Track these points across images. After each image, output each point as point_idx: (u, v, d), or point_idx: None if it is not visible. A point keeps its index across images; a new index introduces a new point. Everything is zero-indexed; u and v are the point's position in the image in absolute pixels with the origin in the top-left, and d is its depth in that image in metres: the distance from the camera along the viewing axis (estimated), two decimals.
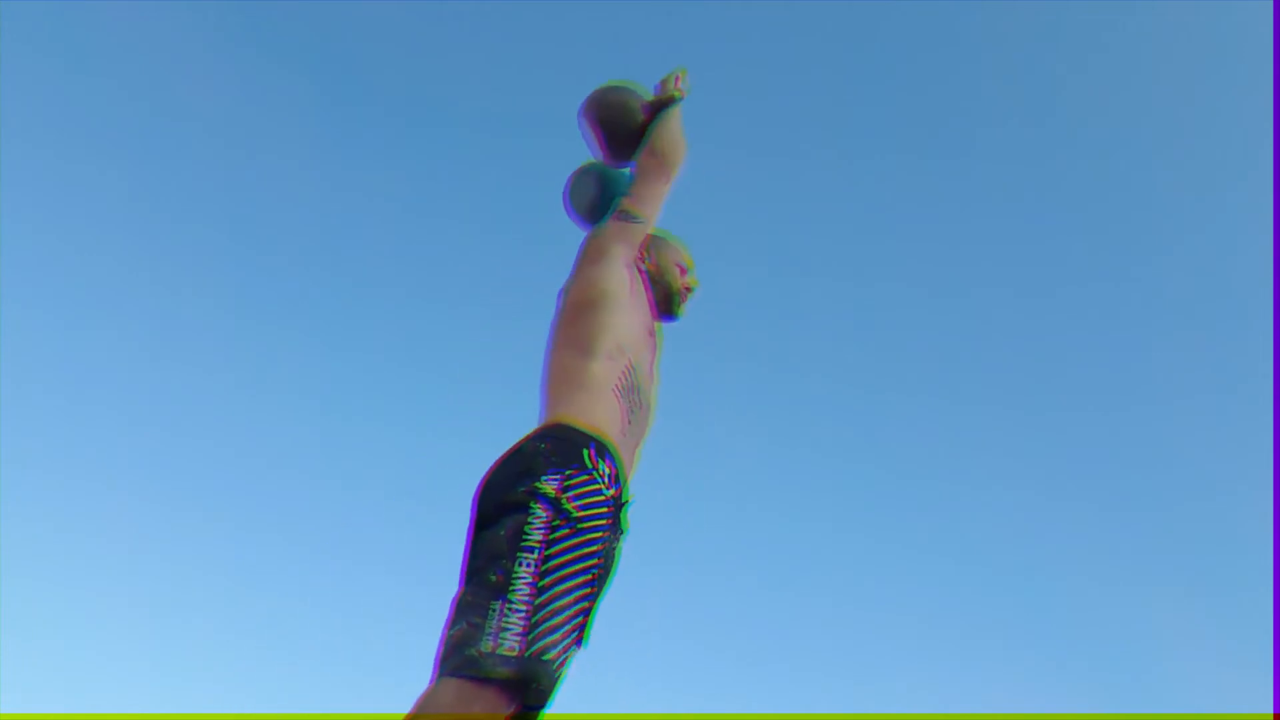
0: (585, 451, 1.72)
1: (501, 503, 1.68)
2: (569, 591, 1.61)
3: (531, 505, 1.65)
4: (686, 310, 2.26)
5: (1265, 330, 6.68)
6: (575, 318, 1.96)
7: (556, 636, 1.57)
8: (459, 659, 1.53)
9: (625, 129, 2.31)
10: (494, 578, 1.59)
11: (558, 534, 1.64)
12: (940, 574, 7.04)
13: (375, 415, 6.92)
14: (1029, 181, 7.53)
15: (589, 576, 1.65)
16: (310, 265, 7.22)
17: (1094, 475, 7.34)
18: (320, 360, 7.11)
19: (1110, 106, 7.37)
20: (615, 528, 1.76)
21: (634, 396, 1.89)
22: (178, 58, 6.92)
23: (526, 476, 1.68)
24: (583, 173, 2.37)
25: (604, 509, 1.71)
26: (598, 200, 2.29)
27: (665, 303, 2.21)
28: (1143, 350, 7.41)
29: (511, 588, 1.58)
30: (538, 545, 1.62)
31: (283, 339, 7.10)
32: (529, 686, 1.52)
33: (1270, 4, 6.41)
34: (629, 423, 1.86)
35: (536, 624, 1.56)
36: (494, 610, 1.56)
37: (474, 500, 1.76)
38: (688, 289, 2.25)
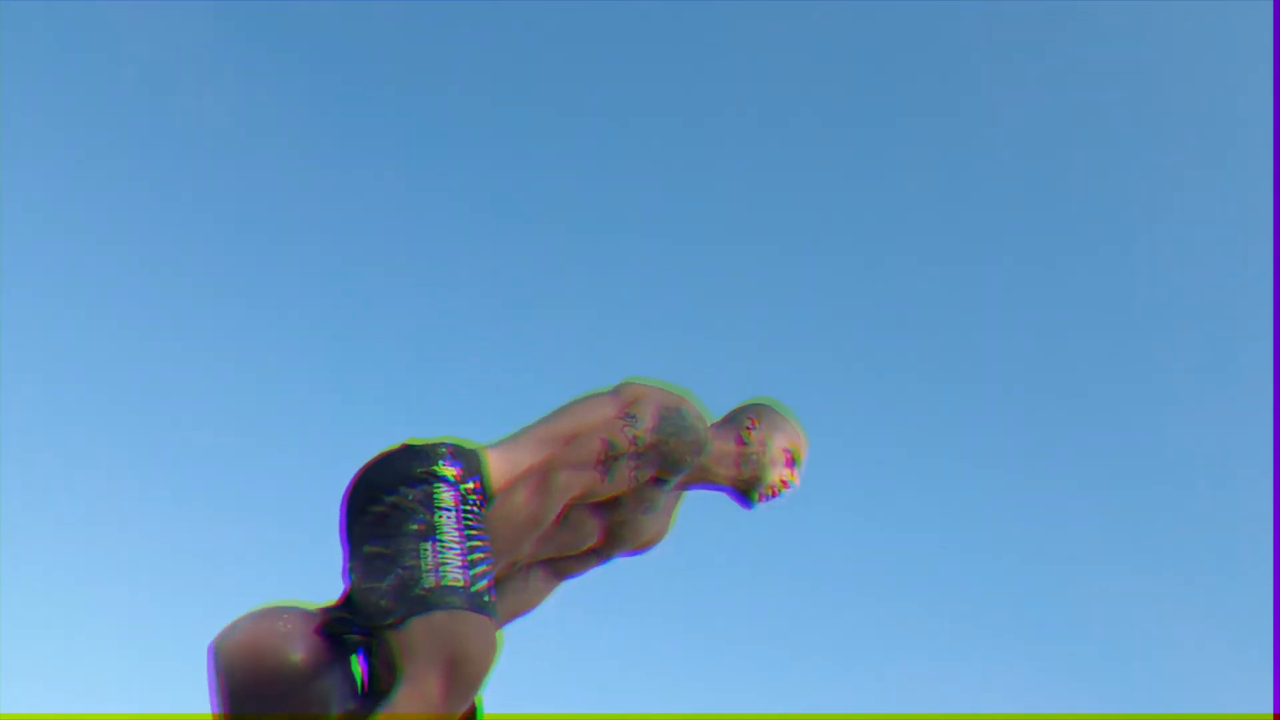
0: (472, 480, 1.62)
1: (396, 477, 1.59)
2: (486, 548, 1.56)
3: (433, 482, 1.58)
4: (765, 504, 1.93)
5: (1265, 329, 6.69)
6: (579, 409, 1.74)
7: (490, 582, 1.52)
8: (406, 604, 1.46)
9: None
10: (414, 527, 1.53)
11: (469, 503, 1.58)
12: (939, 570, 7.04)
13: (377, 413, 6.92)
14: (1034, 175, 7.54)
15: (493, 558, 1.58)
16: (312, 264, 7.22)
17: (1095, 475, 7.34)
18: (322, 359, 7.11)
19: (1115, 98, 7.38)
20: None
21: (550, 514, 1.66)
22: (178, 57, 6.93)
23: (423, 458, 1.61)
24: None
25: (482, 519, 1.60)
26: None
27: (748, 485, 1.88)
28: (1145, 344, 7.42)
29: (439, 530, 1.53)
30: (453, 506, 1.56)
31: (284, 338, 7.10)
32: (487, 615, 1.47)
33: (1270, 4, 6.41)
34: (533, 529, 1.65)
35: (475, 563, 1.51)
36: (425, 550, 1.50)
37: (352, 485, 1.66)
38: (783, 484, 1.90)
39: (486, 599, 1.50)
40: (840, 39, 7.47)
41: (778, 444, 1.88)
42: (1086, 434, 7.44)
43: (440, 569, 1.49)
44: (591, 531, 1.79)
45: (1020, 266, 7.60)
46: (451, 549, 1.51)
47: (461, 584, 1.48)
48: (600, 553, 1.86)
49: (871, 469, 7.39)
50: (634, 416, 1.69)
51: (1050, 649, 6.87)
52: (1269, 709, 5.46)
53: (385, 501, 1.58)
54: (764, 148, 7.45)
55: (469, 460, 1.64)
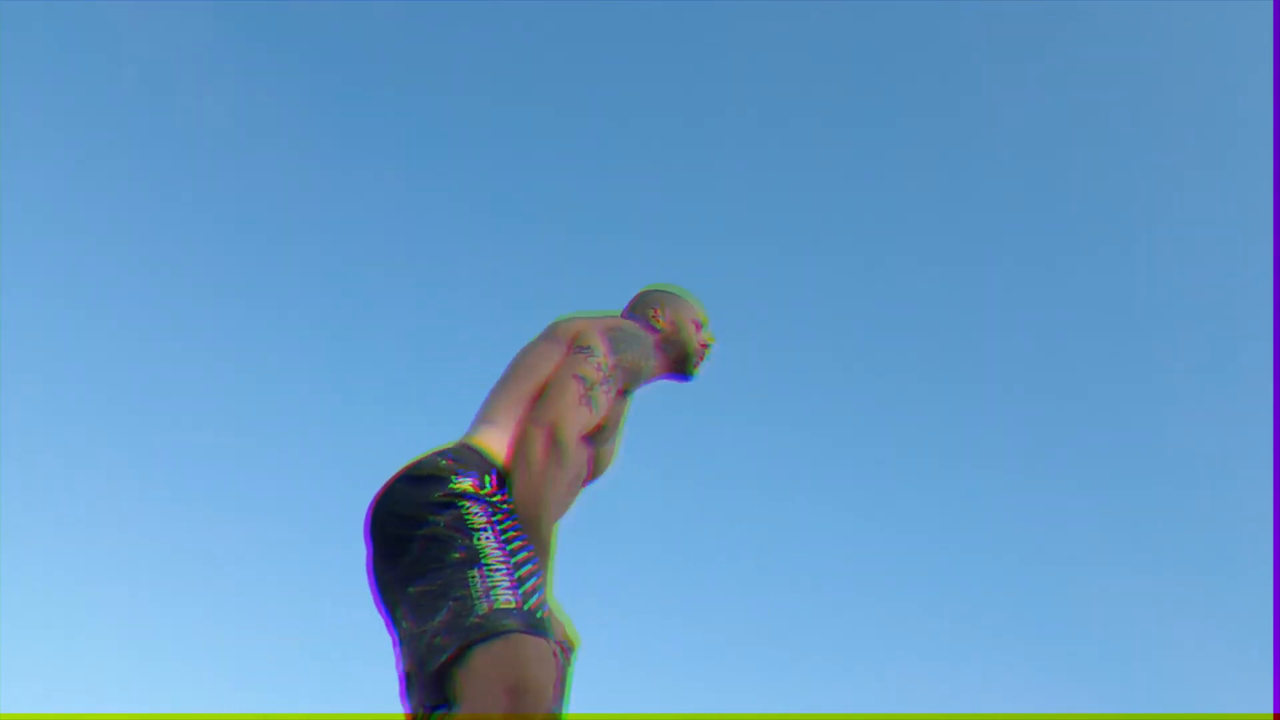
0: (486, 476, 1.62)
1: (420, 506, 1.58)
2: (531, 558, 1.55)
3: (457, 502, 1.56)
4: (701, 370, 2.12)
5: (1265, 329, 6.69)
6: (536, 350, 1.82)
7: (541, 598, 1.52)
8: (460, 635, 1.44)
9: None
10: (456, 555, 1.51)
11: (499, 514, 1.57)
12: (939, 570, 7.04)
13: (377, 413, 6.92)
14: (1034, 175, 7.54)
15: (540, 563, 1.58)
16: (312, 264, 7.22)
17: (1095, 475, 7.34)
18: (321, 359, 7.11)
19: (1115, 98, 7.38)
20: None
21: (559, 455, 1.68)
22: (178, 57, 6.93)
23: (436, 481, 1.59)
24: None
25: (514, 516, 1.61)
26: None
27: (681, 363, 2.06)
28: (1145, 344, 7.42)
29: (482, 554, 1.51)
30: (487, 524, 1.55)
31: (284, 337, 7.10)
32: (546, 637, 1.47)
33: (1270, 4, 6.41)
34: (557, 469, 1.69)
35: (522, 579, 1.50)
36: (473, 578, 1.49)
37: (371, 516, 1.65)
38: (704, 346, 2.09)
39: (540, 615, 1.49)
40: (840, 39, 7.47)
41: (685, 317, 2.06)
42: (1086, 434, 7.45)
43: (491, 593, 1.47)
44: (584, 467, 1.82)
45: (1020, 266, 7.61)
46: (498, 570, 1.50)
47: (514, 605, 1.46)
48: (583, 487, 1.88)
49: (871, 469, 7.40)
50: (588, 348, 1.77)
51: (1050, 649, 6.87)
52: (1269, 709, 5.46)
53: (418, 537, 1.57)
54: (763, 147, 7.46)
55: (475, 462, 1.63)
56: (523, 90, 7.35)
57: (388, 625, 1.66)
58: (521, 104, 7.33)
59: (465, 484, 1.59)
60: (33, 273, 6.55)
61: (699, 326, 2.08)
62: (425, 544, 1.55)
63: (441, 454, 1.65)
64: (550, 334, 1.83)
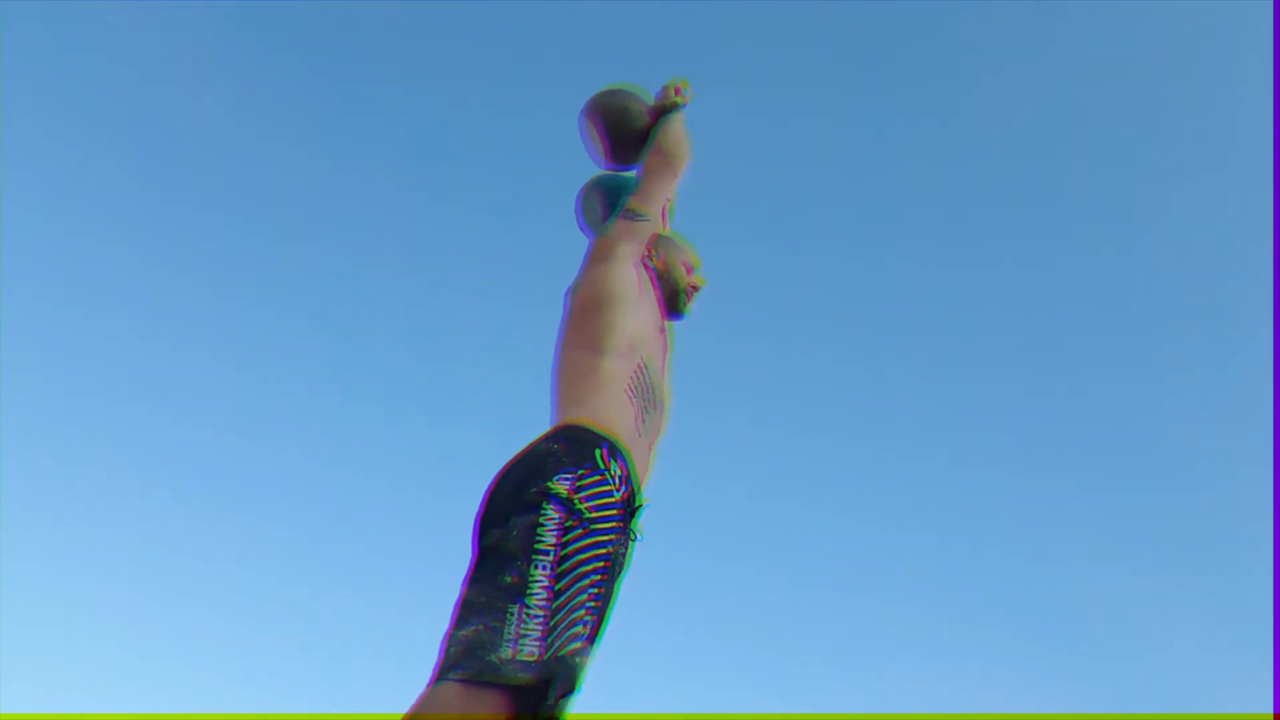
0: (597, 452, 1.71)
1: (512, 502, 1.65)
2: (583, 591, 1.60)
3: (544, 505, 1.63)
4: (692, 308, 2.28)
5: (1265, 329, 6.68)
6: (585, 317, 1.95)
7: (573, 633, 1.56)
8: (477, 664, 1.49)
9: (628, 132, 2.34)
10: (509, 579, 1.57)
11: (571, 534, 1.62)
12: (939, 570, 7.04)
13: (377, 414, 6.92)
14: (1033, 175, 7.54)
15: (601, 576, 1.64)
16: (312, 264, 7.22)
17: (1095, 475, 7.34)
18: (321, 359, 7.11)
19: (1115, 98, 7.38)
20: (625, 530, 1.75)
21: (647, 395, 1.88)
22: (178, 57, 6.93)
23: (538, 477, 1.67)
24: (589, 189, 2.39)
25: (615, 510, 1.69)
26: (606, 213, 2.31)
27: (671, 300, 2.21)
28: (1145, 344, 7.42)
29: (529, 591, 1.55)
30: (552, 547, 1.60)
31: (284, 337, 7.10)
32: (549, 689, 1.50)
33: (1270, 4, 6.41)
34: (642, 422, 1.85)
35: (555, 627, 1.54)
36: (511, 614, 1.53)
37: (484, 500, 1.73)
38: (694, 287, 2.25)
39: (562, 656, 1.52)
40: (840, 38, 7.47)
41: (677, 259, 2.24)
42: (1086, 434, 7.44)
43: (519, 641, 1.51)
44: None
45: (1019, 266, 7.61)
46: (534, 617, 1.53)
47: (535, 659, 1.50)
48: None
49: (871, 469, 7.40)
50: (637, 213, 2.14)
51: (1050, 649, 6.87)
52: (1269, 709, 5.46)
53: (492, 535, 1.63)
54: (763, 147, 7.45)
55: (578, 452, 1.70)
56: (523, 90, 7.36)
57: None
58: (521, 104, 7.33)
59: (561, 487, 1.65)
60: (32, 273, 6.56)
61: (690, 269, 2.25)
62: (498, 545, 1.61)
63: (556, 440, 1.73)
64: (585, 294, 1.99)
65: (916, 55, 7.43)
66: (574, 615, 1.57)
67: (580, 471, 1.68)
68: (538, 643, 1.52)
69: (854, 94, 7.53)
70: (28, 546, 5.88)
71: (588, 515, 1.64)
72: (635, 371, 1.87)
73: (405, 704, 1.55)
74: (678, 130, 2.33)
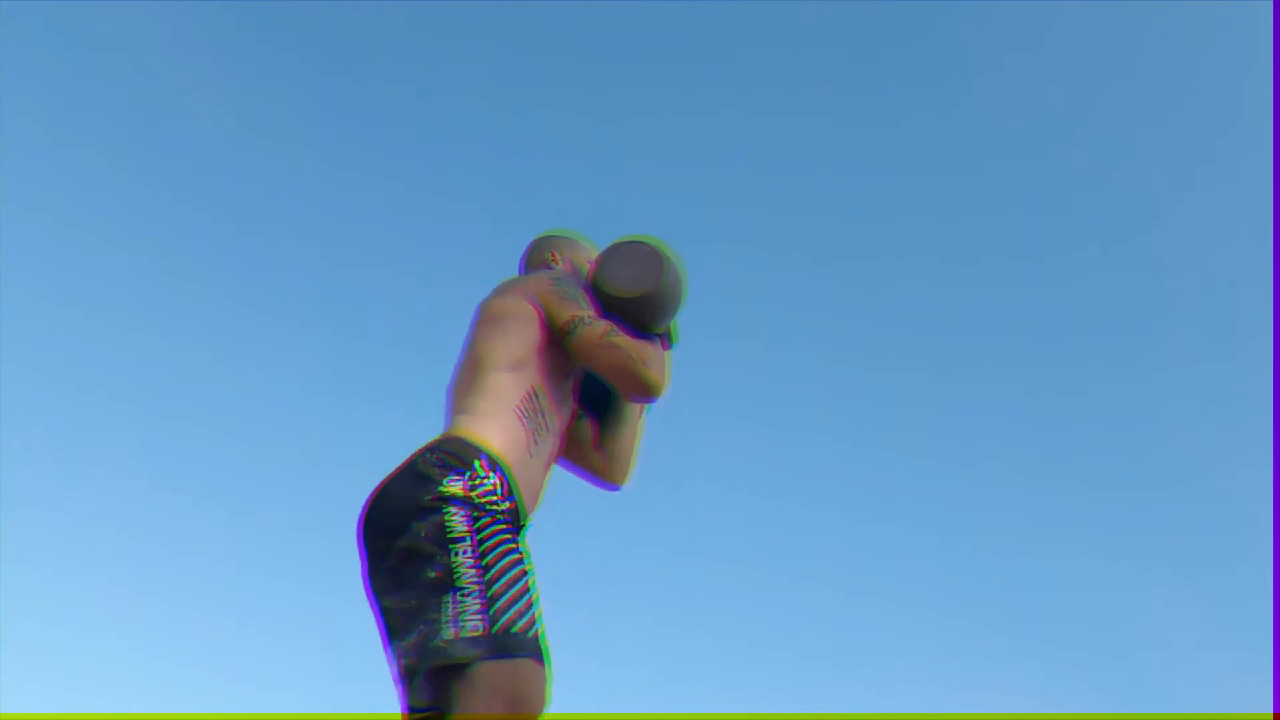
0: (477, 462, 1.61)
1: (406, 513, 1.56)
2: (514, 567, 1.53)
3: (443, 507, 1.54)
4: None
5: (1265, 329, 6.68)
6: (488, 328, 1.81)
7: (519, 608, 1.49)
8: (426, 657, 1.45)
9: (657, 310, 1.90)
10: (432, 574, 1.50)
11: (481, 522, 1.55)
12: (938, 570, 7.04)
13: (377, 414, 6.92)
14: (1033, 174, 7.54)
15: (527, 566, 1.56)
16: (312, 264, 7.22)
17: (1095, 475, 7.34)
18: (322, 359, 7.11)
19: (1115, 98, 7.38)
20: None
21: (539, 419, 1.74)
22: (178, 57, 6.93)
23: (427, 483, 1.58)
24: (629, 256, 1.90)
25: (505, 518, 1.60)
26: (592, 286, 1.91)
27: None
28: (1145, 343, 7.42)
29: (456, 576, 1.49)
30: (467, 534, 1.53)
31: (284, 337, 7.10)
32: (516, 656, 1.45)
33: (1270, 4, 6.41)
34: (534, 443, 1.72)
35: (495, 598, 1.48)
36: (446, 603, 1.47)
37: (363, 521, 1.64)
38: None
39: (514, 632, 1.46)
40: (839, 38, 7.47)
41: (581, 259, 2.09)
42: (1086, 433, 7.44)
43: (459, 619, 1.46)
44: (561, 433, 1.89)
45: (1019, 264, 7.61)
46: (470, 595, 1.47)
47: (480, 633, 1.44)
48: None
49: (870, 468, 7.39)
50: (581, 318, 1.80)
51: (1050, 649, 6.86)
52: (1269, 709, 5.46)
53: (398, 548, 1.55)
54: (762, 147, 7.45)
55: (459, 458, 1.61)
56: (523, 90, 7.36)
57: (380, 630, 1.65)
58: (521, 103, 7.33)
59: (454, 487, 1.56)
60: (33, 273, 6.56)
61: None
62: (403, 557, 1.54)
63: (429, 450, 1.64)
64: (496, 312, 1.82)
65: (916, 53, 7.44)
66: (514, 589, 1.51)
67: (467, 473, 1.59)
68: (478, 616, 1.45)
69: (854, 93, 7.54)
70: (28, 546, 5.88)
71: (491, 508, 1.57)
72: (527, 394, 1.73)
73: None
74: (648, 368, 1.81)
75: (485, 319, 1.82)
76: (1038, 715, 5.84)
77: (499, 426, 1.67)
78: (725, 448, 6.77)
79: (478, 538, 1.53)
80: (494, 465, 1.62)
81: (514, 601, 1.50)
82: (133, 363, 6.77)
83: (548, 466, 1.79)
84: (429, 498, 1.56)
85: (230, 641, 6.04)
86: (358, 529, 1.66)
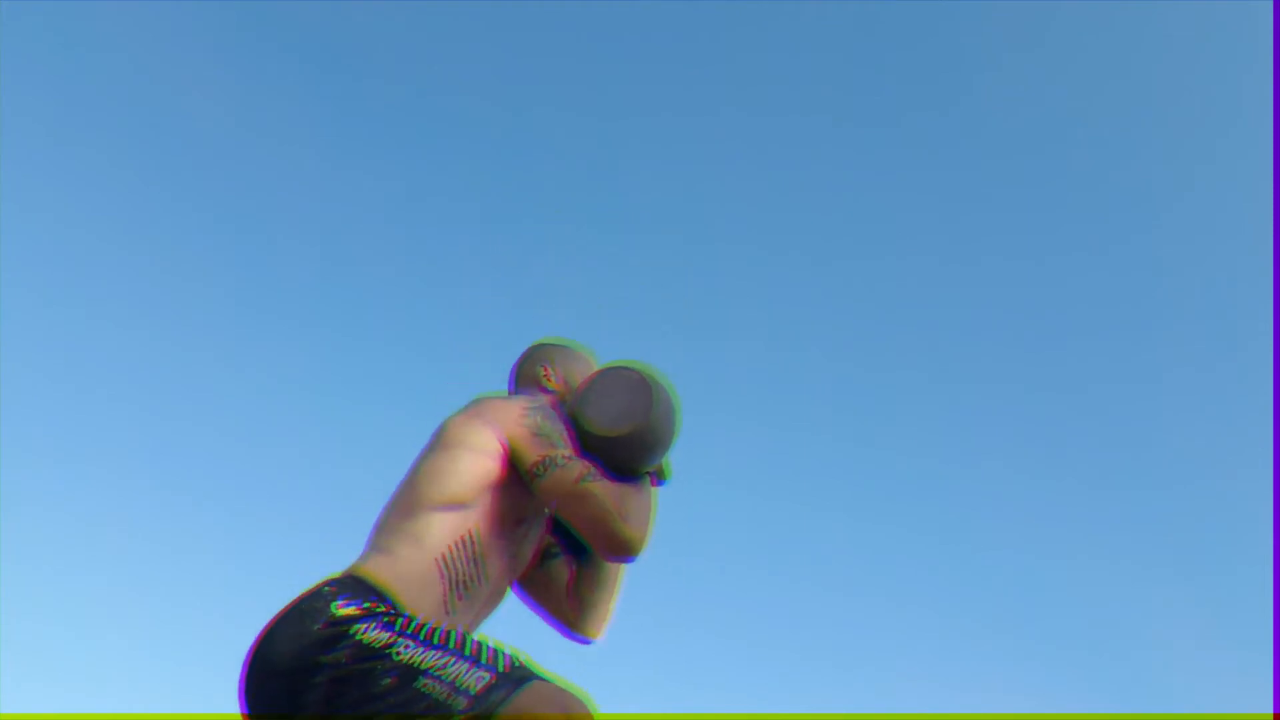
0: (374, 597, 1.43)
1: (302, 654, 1.35)
2: (462, 634, 1.39)
3: (346, 630, 1.35)
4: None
5: (1265, 329, 6.69)
6: (435, 459, 1.59)
7: (504, 653, 1.39)
8: None
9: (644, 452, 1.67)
10: (386, 681, 1.31)
11: (399, 622, 1.37)
12: (938, 570, 7.04)
13: (377, 414, 6.92)
14: (1032, 174, 7.54)
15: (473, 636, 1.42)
16: (312, 264, 7.22)
17: (1095, 475, 7.34)
18: (323, 357, 7.11)
19: (1115, 98, 7.38)
20: None
21: (469, 569, 1.53)
22: (178, 57, 6.93)
23: (314, 613, 1.39)
24: (615, 389, 1.67)
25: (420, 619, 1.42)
26: (571, 421, 1.68)
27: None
28: (1145, 343, 7.42)
29: (417, 664, 1.32)
30: (394, 639, 1.34)
31: (284, 337, 7.10)
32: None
33: (1270, 4, 6.41)
34: (457, 597, 1.51)
35: (474, 654, 1.35)
36: (428, 688, 1.29)
37: (248, 687, 1.39)
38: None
39: (518, 664, 1.35)
40: (839, 38, 7.47)
41: (578, 374, 1.86)
42: (1086, 433, 7.45)
43: (458, 685, 1.30)
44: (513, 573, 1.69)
45: (1018, 266, 7.61)
46: (447, 665, 1.32)
47: (488, 680, 1.30)
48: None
49: (870, 469, 7.39)
50: (554, 460, 1.57)
51: (1050, 649, 6.87)
52: (1269, 709, 5.46)
53: (315, 687, 1.33)
54: (762, 147, 7.45)
55: (361, 590, 1.43)
56: (523, 90, 7.36)
57: None
58: (521, 103, 7.33)
59: (349, 610, 1.38)
60: (32, 273, 6.56)
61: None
62: (332, 690, 1.32)
63: (325, 583, 1.45)
64: (453, 439, 1.59)
65: (916, 53, 7.44)
66: (483, 645, 1.38)
67: (361, 599, 1.41)
68: (475, 670, 1.32)
69: (854, 93, 7.54)
70: (28, 546, 5.88)
71: (400, 611, 1.40)
72: (459, 540, 1.52)
73: None
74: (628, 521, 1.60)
75: (441, 443, 1.59)
76: (1038, 715, 5.84)
77: (411, 575, 1.46)
78: (725, 447, 6.77)
79: (408, 632, 1.36)
80: (395, 608, 1.43)
81: (494, 650, 1.38)
82: (133, 363, 6.78)
83: (478, 618, 1.59)
84: (319, 626, 1.36)
85: (230, 642, 6.03)
86: (240, 692, 1.41)
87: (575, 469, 1.56)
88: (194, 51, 6.87)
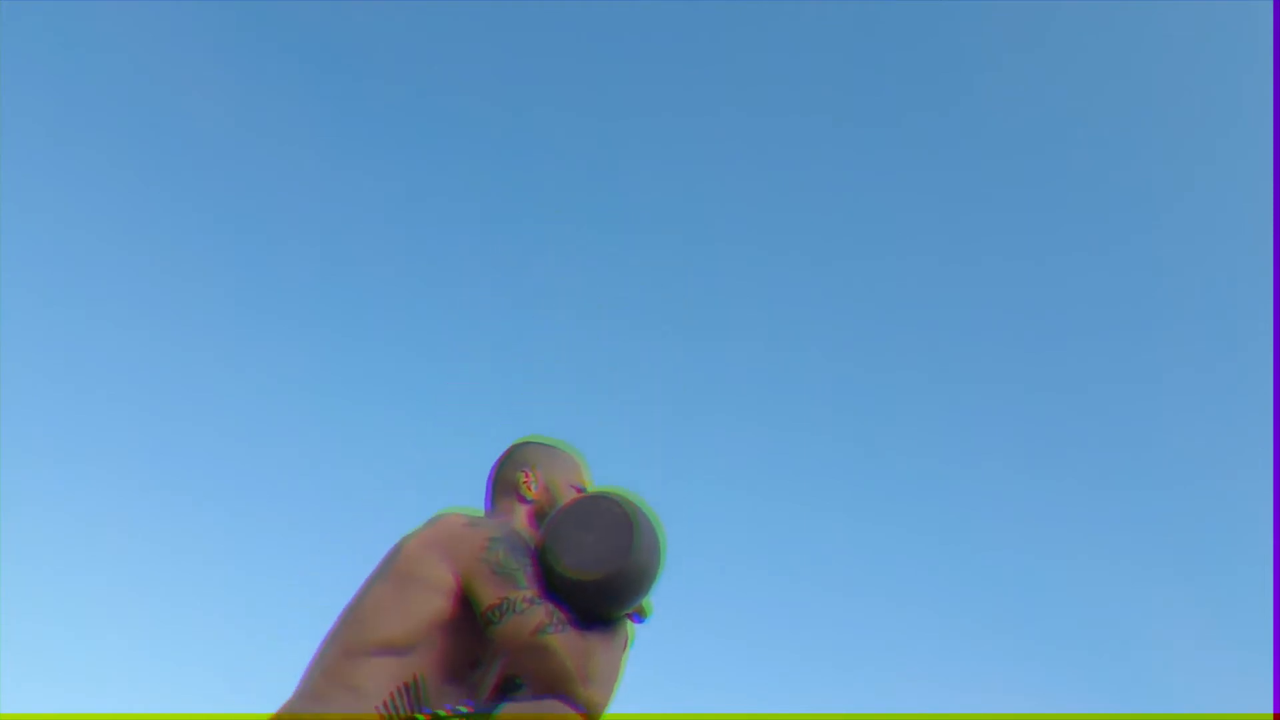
0: None
1: None
2: None
3: None
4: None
5: (1265, 329, 6.69)
6: (383, 592, 1.47)
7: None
8: None
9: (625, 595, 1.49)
10: None
11: None
12: (938, 570, 7.04)
13: (378, 413, 6.92)
14: (1032, 174, 7.54)
15: None
16: (312, 263, 7.22)
17: (1095, 474, 7.34)
18: (323, 357, 7.11)
19: (1114, 98, 7.38)
20: None
21: (414, 713, 1.42)
22: (178, 57, 6.93)
23: None
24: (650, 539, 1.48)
25: None
26: (534, 555, 1.51)
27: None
28: (1144, 343, 7.42)
29: None
30: None
31: (284, 336, 7.11)
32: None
33: (1270, 4, 6.41)
34: None
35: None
36: None
37: None
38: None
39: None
40: (839, 38, 7.47)
41: (561, 481, 1.71)
42: (1086, 433, 7.45)
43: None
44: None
45: (1018, 266, 7.61)
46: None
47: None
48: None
49: (870, 469, 7.39)
50: (513, 603, 1.43)
51: (1050, 648, 6.87)
52: (1269, 709, 5.46)
53: None
54: (762, 147, 7.45)
55: None
56: (523, 90, 7.36)
57: None
58: (521, 103, 7.33)
59: None
60: (32, 273, 6.56)
61: (580, 490, 1.72)
62: None
63: None
64: (405, 569, 1.48)
65: (916, 53, 7.44)
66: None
67: None
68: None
69: (854, 93, 7.54)
70: (28, 546, 5.88)
71: None
72: (402, 687, 1.41)
73: None
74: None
75: (392, 574, 1.47)
76: (1038, 715, 5.84)
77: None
78: (724, 447, 6.77)
79: None
80: None
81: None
82: (133, 363, 6.78)
83: None
84: None
85: (230, 641, 6.05)
86: None
87: (535, 616, 1.39)
88: (194, 51, 6.88)
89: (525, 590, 1.42)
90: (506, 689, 1.62)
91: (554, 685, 1.38)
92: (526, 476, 1.70)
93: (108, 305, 6.88)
